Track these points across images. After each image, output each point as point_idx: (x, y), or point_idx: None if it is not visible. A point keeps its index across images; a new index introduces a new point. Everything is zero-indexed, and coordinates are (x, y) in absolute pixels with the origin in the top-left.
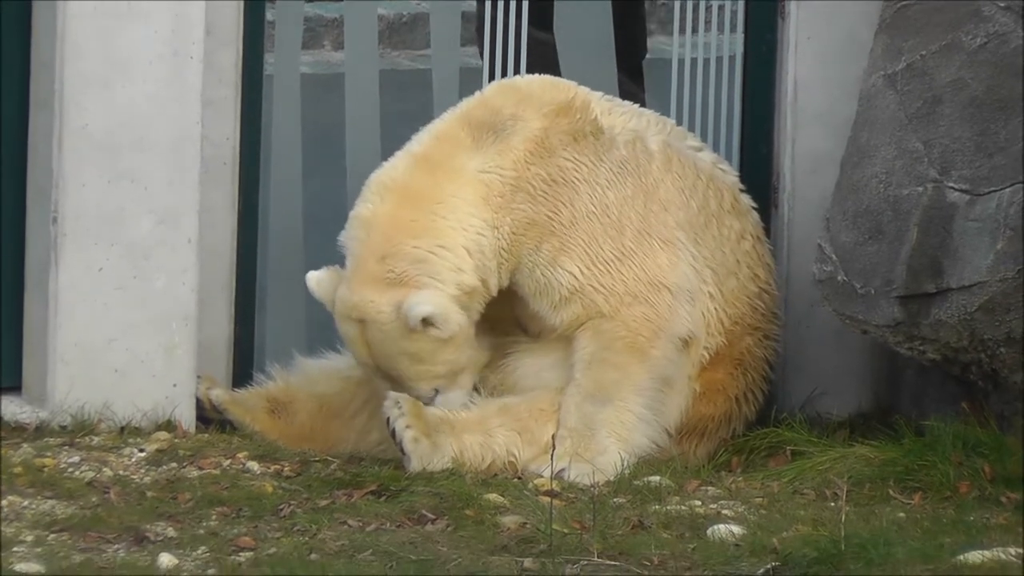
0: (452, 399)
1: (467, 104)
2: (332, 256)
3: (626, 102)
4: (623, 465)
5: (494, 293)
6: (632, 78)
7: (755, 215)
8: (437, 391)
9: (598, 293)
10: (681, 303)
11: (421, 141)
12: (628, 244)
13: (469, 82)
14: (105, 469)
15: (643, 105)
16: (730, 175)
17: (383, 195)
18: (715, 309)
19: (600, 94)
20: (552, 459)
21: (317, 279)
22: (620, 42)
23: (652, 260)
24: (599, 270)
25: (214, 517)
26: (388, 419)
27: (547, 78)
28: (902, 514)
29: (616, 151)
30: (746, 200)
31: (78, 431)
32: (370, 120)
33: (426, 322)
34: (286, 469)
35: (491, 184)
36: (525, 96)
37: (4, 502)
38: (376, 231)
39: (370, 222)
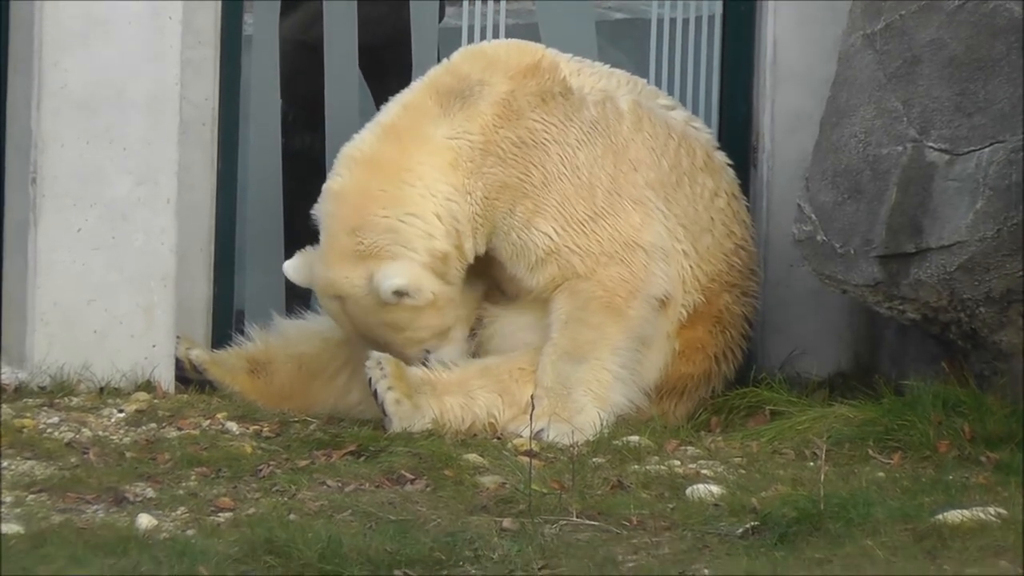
0: (446, 355)
1: (434, 72)
2: (309, 218)
3: (597, 63)
4: (601, 424)
5: (471, 259)
6: None
7: (730, 172)
8: (428, 351)
9: (574, 254)
10: (656, 262)
11: (389, 112)
12: (600, 204)
13: (449, 43)
14: (84, 430)
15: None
16: (703, 132)
17: (352, 168)
18: (690, 267)
19: (569, 55)
20: (531, 419)
21: (293, 267)
22: None
23: (625, 220)
24: (574, 231)
25: (193, 478)
26: (370, 380)
27: (514, 42)
28: (881, 474)
29: (586, 111)
30: (720, 157)
31: (57, 392)
32: (350, 80)
33: (399, 293)
34: (265, 430)
35: (460, 149)
36: (492, 61)
37: None
38: (346, 204)
39: (340, 195)
